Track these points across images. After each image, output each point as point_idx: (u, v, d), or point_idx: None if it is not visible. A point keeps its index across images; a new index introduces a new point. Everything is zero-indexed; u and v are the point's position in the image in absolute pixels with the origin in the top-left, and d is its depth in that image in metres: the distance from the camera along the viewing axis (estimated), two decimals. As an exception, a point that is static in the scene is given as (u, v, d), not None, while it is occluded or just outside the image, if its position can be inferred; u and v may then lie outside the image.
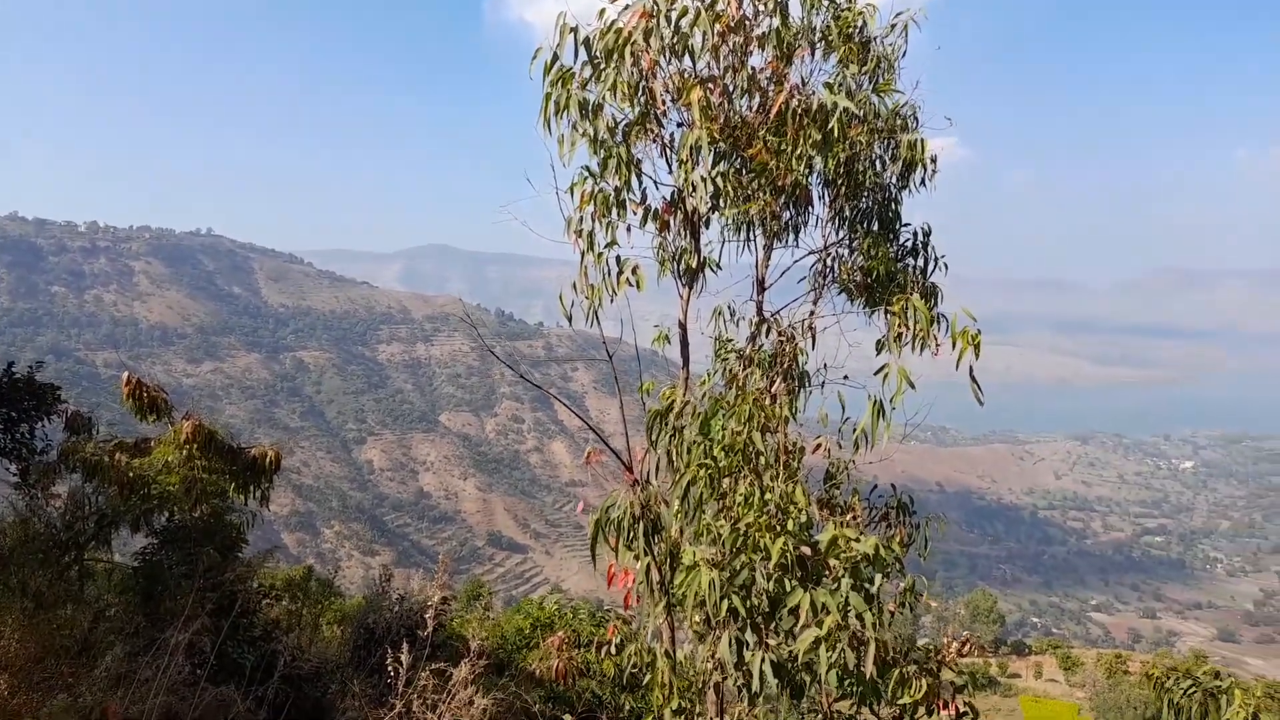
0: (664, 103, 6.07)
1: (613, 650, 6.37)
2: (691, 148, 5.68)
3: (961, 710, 6.16)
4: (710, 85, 6.07)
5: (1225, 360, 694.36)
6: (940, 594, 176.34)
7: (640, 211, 6.36)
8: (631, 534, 5.24)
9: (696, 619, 5.60)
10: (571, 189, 6.20)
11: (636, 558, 5.31)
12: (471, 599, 35.63)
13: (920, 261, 7.80)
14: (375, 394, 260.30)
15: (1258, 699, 5.75)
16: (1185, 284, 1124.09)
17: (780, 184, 7.02)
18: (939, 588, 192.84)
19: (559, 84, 6.12)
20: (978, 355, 5.71)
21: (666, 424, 5.68)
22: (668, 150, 6.37)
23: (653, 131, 6.18)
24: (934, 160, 7.36)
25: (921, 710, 5.99)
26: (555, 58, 6.12)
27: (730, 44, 6.37)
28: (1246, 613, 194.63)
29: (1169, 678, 6.60)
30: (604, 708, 12.87)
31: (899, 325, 5.74)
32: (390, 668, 6.60)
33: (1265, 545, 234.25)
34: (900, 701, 4.99)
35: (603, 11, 6.36)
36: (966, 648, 6.13)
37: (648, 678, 6.09)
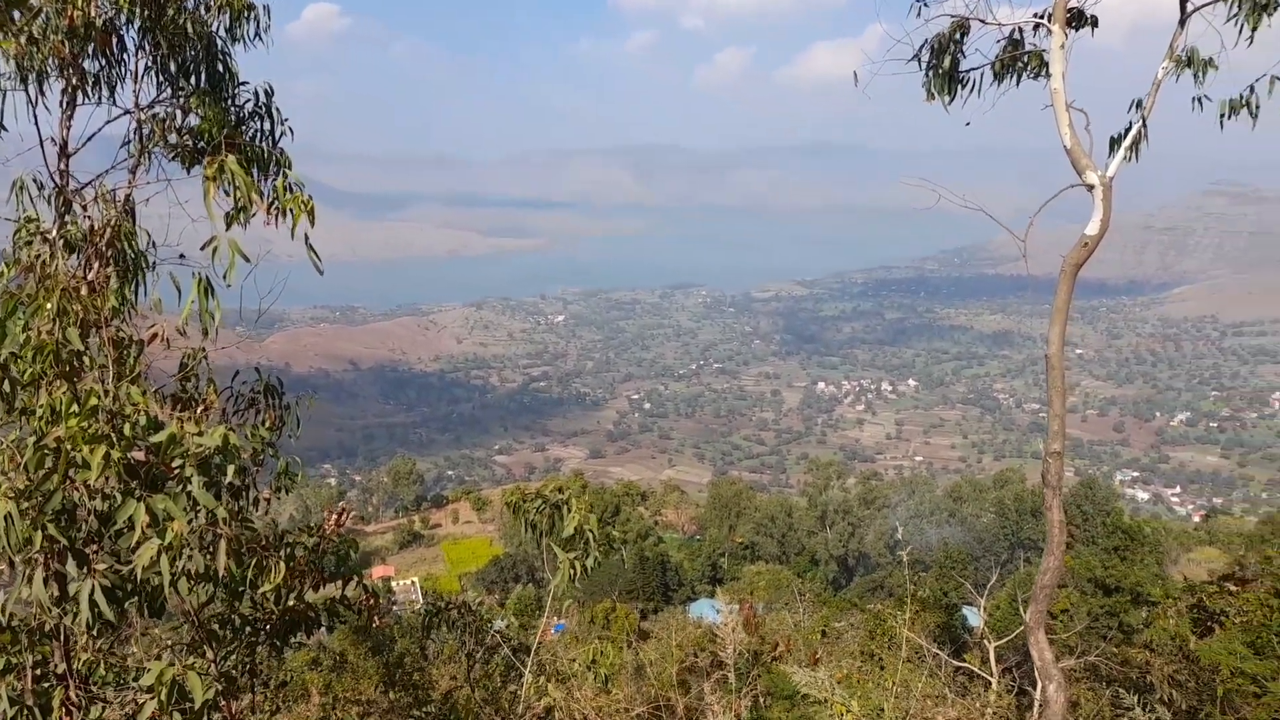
0: None
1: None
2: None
3: (349, 578, 6.30)
4: None
5: (583, 226, 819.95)
6: (363, 467, 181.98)
7: None
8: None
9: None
10: None
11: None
12: None
13: (267, 125, 7.22)
14: None
15: (585, 509, 6.89)
16: (553, 160, 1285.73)
17: (71, 23, 5.73)
18: (362, 461, 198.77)
19: None
20: (313, 223, 5.51)
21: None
22: None
23: None
24: (267, 10, 6.75)
25: (306, 586, 5.96)
26: None
27: None
28: (609, 432, 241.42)
29: (524, 500, 7.52)
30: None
31: (215, 191, 5.19)
32: None
33: (618, 376, 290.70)
34: (264, 589, 4.82)
35: None
36: (344, 518, 6.21)
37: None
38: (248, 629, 5.52)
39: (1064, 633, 18.20)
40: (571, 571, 6.66)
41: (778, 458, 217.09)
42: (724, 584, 65.56)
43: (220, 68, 6.76)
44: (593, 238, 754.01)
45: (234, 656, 5.58)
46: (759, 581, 58.93)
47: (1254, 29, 6.41)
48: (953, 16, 6.42)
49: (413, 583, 72.64)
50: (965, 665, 13.20)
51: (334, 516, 6.26)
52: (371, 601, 6.24)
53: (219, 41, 6.78)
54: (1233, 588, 15.15)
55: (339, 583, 6.13)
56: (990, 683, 12.29)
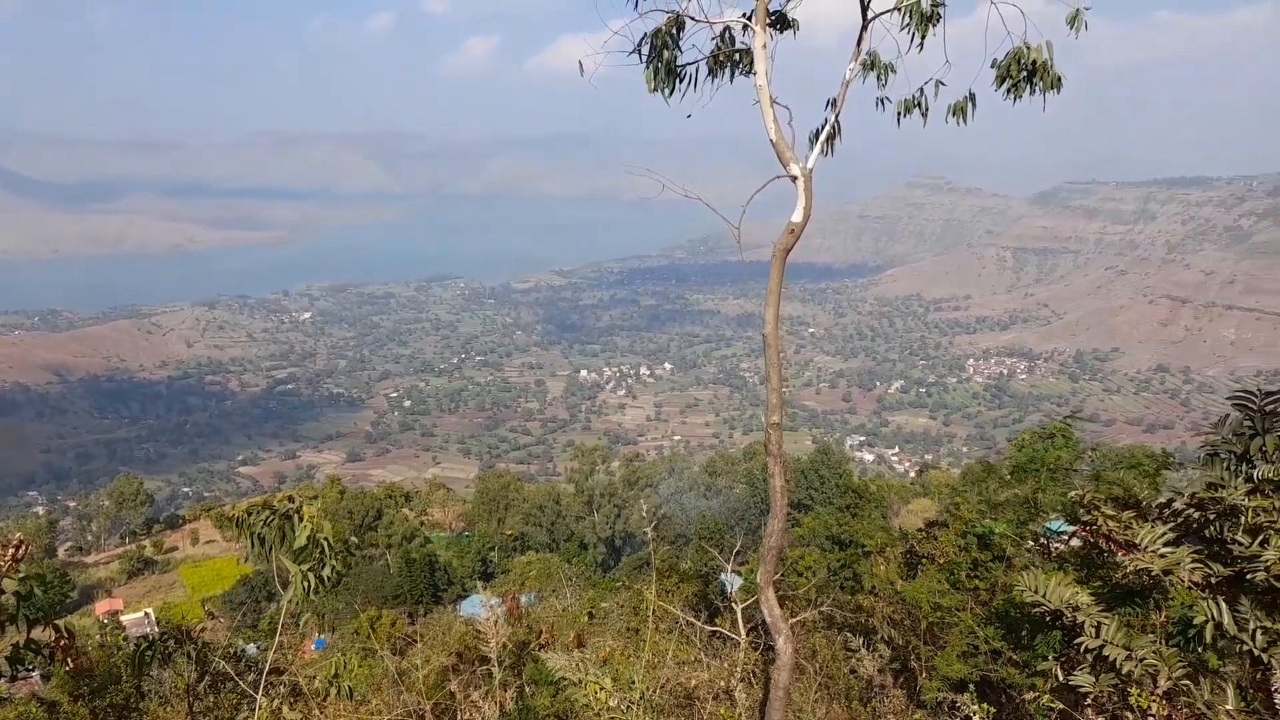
0: None
1: None
2: None
3: (35, 620, 5.49)
4: None
5: (325, 217, 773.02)
6: (79, 491, 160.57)
7: None
8: None
9: None
10: None
11: None
12: None
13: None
14: None
15: (318, 517, 6.48)
16: (285, 146, 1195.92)
17: None
18: (77, 485, 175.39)
19: None
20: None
21: None
22: None
23: None
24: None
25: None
26: None
27: None
28: (367, 433, 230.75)
29: (249, 513, 6.95)
30: None
31: None
32: None
33: (374, 375, 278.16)
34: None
35: None
36: (22, 551, 5.40)
37: None
38: (-105, 696, 4.64)
39: (804, 587, 19.86)
40: (306, 584, 6.25)
41: (544, 447, 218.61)
42: (494, 578, 65.04)
43: None
44: (336, 228, 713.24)
45: (-122, 731, 4.68)
46: (529, 571, 59.05)
47: (923, 37, 7.25)
48: (667, 12, 6.72)
49: (146, 614, 65.28)
50: (718, 629, 14.01)
51: (9, 551, 5.42)
52: (65, 643, 5.49)
53: None
54: (936, 533, 17.30)
55: (22, 627, 5.34)
56: (739, 642, 13.12)
